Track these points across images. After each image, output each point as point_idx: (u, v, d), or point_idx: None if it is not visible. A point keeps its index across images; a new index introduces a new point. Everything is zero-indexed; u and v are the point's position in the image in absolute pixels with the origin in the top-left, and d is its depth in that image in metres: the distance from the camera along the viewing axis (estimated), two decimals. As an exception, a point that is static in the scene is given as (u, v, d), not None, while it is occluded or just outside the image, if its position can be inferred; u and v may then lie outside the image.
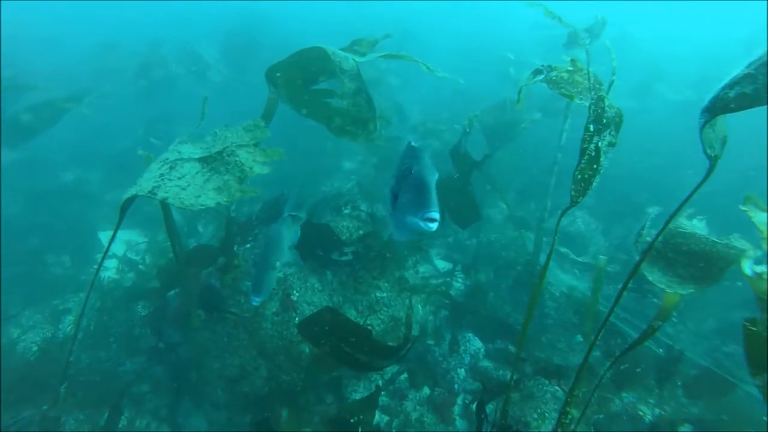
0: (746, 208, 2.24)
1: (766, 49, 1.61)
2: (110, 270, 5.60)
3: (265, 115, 3.84)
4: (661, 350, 4.11)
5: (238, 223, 4.45)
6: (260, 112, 3.89)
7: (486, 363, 4.36)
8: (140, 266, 5.64)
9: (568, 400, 2.51)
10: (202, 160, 3.06)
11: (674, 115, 11.25)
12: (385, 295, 4.14)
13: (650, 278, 2.79)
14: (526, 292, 4.84)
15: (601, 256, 3.24)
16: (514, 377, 3.74)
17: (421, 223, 1.69)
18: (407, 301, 4.33)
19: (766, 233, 1.91)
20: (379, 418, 4.01)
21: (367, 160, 8.32)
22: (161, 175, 2.88)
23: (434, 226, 1.68)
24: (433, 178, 1.81)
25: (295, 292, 3.86)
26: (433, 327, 4.67)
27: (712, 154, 2.23)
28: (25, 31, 13.58)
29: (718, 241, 2.72)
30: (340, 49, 3.70)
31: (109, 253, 5.65)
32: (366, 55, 3.77)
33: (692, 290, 2.65)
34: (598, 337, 2.56)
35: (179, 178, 2.89)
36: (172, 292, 4.20)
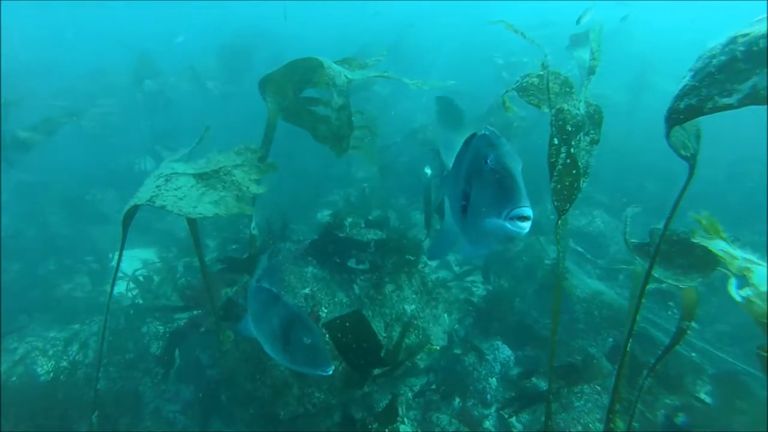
0: (697, 240, 2.14)
1: (706, 54, 1.57)
2: (125, 288, 5.56)
3: (268, 128, 3.91)
4: (694, 354, 4.06)
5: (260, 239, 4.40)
6: (259, 122, 4.00)
7: (517, 371, 4.30)
8: (152, 285, 5.62)
9: (610, 416, 2.45)
10: (197, 176, 3.15)
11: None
12: (413, 307, 4.09)
13: (656, 275, 2.73)
14: (553, 297, 4.78)
15: (639, 262, 3.18)
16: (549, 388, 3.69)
17: (507, 225, 1.29)
18: (435, 311, 4.29)
19: (728, 261, 1.82)
20: (412, 430, 3.96)
21: (371, 168, 8.35)
22: (157, 186, 2.98)
23: (526, 226, 1.29)
24: (517, 166, 1.41)
25: (323, 308, 3.81)
26: (461, 336, 4.61)
27: (688, 154, 2.21)
28: (23, 56, 13.63)
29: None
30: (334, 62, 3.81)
31: (126, 273, 5.67)
32: (356, 72, 3.89)
33: (700, 280, 2.58)
34: (627, 346, 2.52)
35: (175, 189, 2.99)
36: (197, 312, 4.15)
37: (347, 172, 8.62)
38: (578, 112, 2.42)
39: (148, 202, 2.83)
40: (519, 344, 4.51)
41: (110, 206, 7.28)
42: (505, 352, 4.42)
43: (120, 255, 3.13)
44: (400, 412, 4.05)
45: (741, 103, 1.38)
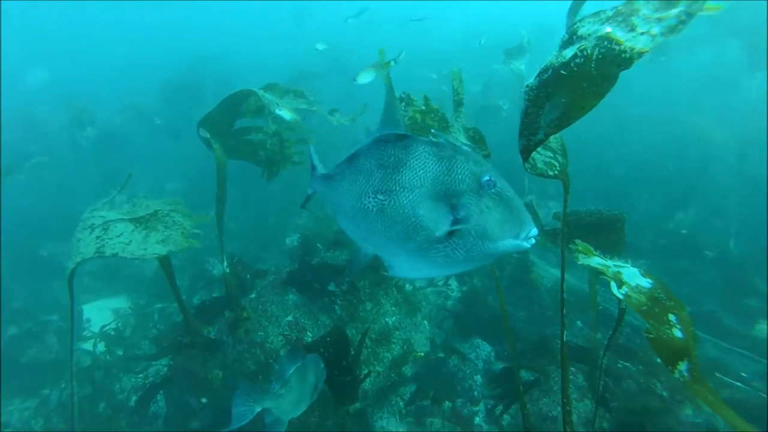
0: (580, 261, 2.34)
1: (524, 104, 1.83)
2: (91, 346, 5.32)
3: (218, 169, 3.99)
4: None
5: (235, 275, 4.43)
6: (210, 156, 4.05)
7: (499, 365, 4.53)
8: (124, 336, 5.44)
9: (566, 401, 2.63)
10: (134, 221, 3.13)
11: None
12: (394, 319, 4.24)
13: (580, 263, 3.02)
14: (523, 290, 5.08)
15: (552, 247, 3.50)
16: (529, 377, 3.94)
17: (525, 243, 1.45)
18: (415, 319, 4.46)
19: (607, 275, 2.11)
20: (408, 440, 4.09)
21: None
22: (97, 237, 2.92)
23: (534, 240, 1.48)
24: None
25: (308, 333, 3.89)
26: (442, 340, 4.81)
27: (555, 173, 2.43)
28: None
29: (602, 210, 3.19)
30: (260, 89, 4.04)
31: (95, 326, 5.46)
32: (285, 100, 4.18)
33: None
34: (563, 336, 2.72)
35: (118, 236, 2.95)
36: (180, 357, 4.10)
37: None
38: (458, 141, 2.68)
39: (96, 254, 2.80)
40: (497, 339, 4.75)
41: (67, 260, 6.97)
42: (486, 348, 4.65)
43: (71, 314, 3.00)
44: (394, 423, 4.17)
45: (545, 136, 1.71)
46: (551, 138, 2.60)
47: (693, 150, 8.64)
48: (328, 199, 1.79)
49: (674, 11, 1.43)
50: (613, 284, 2.06)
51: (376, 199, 1.49)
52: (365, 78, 4.34)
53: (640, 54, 1.46)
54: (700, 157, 8.29)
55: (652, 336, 1.95)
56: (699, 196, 7.24)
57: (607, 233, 3.23)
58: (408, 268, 1.54)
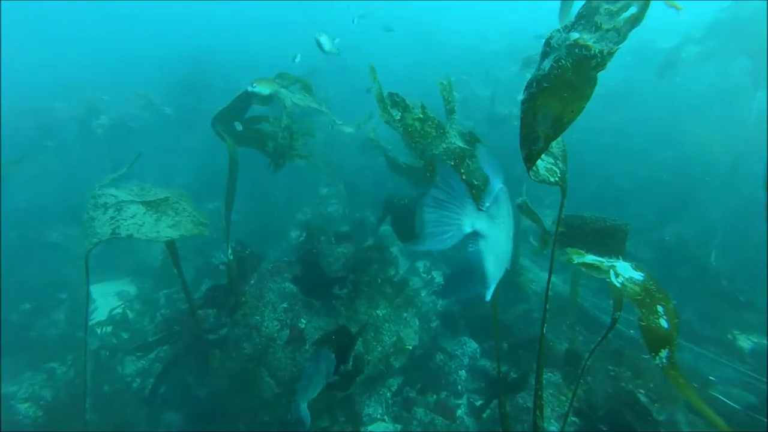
0: (575, 261, 2.48)
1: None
2: (99, 329, 5.55)
3: (231, 163, 4.07)
4: (632, 331, 4.63)
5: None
6: (221, 147, 4.20)
7: (484, 362, 4.72)
8: (128, 320, 5.68)
9: (538, 399, 2.75)
10: (146, 204, 3.26)
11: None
12: (384, 311, 4.44)
13: (575, 262, 3.13)
14: (512, 291, 5.27)
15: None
16: (512, 374, 4.14)
17: None
18: (407, 314, 4.66)
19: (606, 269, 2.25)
20: (393, 427, 4.29)
21: (338, 185, 8.71)
22: (112, 217, 3.03)
23: None
24: None
25: (302, 319, 4.11)
26: (432, 336, 5.01)
27: (556, 179, 2.49)
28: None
29: (607, 218, 3.31)
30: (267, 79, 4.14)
31: (101, 307, 5.72)
32: (297, 95, 4.31)
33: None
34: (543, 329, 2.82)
35: (131, 218, 3.08)
36: (183, 337, 4.33)
37: (314, 190, 8.92)
38: (455, 145, 2.80)
39: (113, 235, 2.91)
40: (484, 337, 4.94)
41: (77, 242, 7.24)
42: (472, 345, 4.84)
43: (87, 292, 3.18)
44: (380, 411, 4.38)
45: (545, 143, 1.83)
46: (553, 144, 2.74)
47: (692, 165, 8.78)
48: (485, 237, 1.75)
49: None
50: (611, 273, 2.22)
51: (510, 239, 1.85)
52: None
53: (611, 54, 1.55)
54: (698, 173, 8.44)
55: (643, 324, 2.12)
56: (692, 211, 7.39)
57: (609, 241, 3.30)
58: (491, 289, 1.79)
